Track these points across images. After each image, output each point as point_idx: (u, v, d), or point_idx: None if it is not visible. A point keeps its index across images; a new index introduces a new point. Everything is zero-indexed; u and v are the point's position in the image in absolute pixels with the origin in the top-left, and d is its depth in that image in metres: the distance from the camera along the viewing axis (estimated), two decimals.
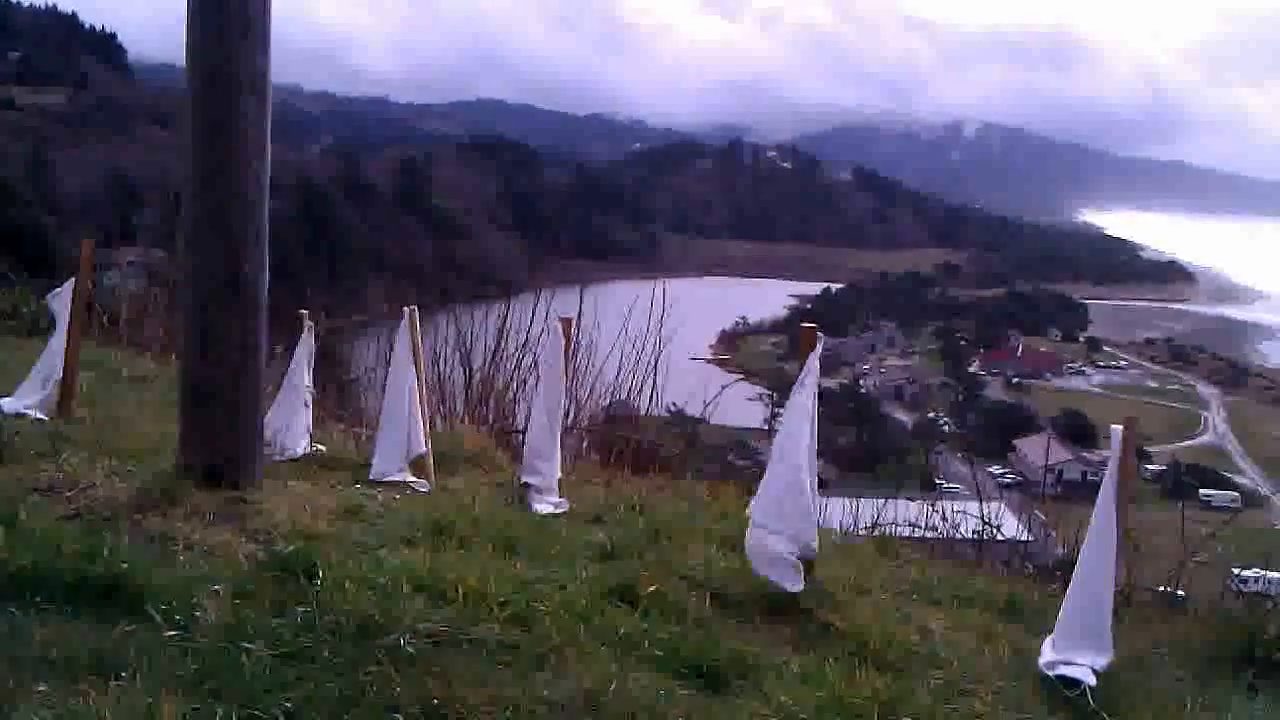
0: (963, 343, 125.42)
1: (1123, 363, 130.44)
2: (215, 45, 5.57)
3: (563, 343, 6.76)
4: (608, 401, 10.16)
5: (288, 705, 3.27)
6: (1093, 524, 4.34)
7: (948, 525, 7.72)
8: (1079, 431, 75.28)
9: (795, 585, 4.82)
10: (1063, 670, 4.22)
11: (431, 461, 6.72)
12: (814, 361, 5.02)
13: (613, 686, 3.67)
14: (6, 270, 14.44)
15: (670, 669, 3.95)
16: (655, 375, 10.08)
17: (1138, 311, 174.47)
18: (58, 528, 4.48)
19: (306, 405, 7.25)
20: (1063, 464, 57.62)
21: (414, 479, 6.53)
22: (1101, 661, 4.24)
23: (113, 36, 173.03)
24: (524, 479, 6.50)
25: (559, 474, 6.57)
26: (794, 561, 4.86)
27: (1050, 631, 4.47)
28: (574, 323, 8.09)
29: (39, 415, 6.97)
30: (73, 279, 7.35)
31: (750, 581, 4.97)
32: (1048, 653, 4.34)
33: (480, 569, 4.53)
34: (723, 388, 11.22)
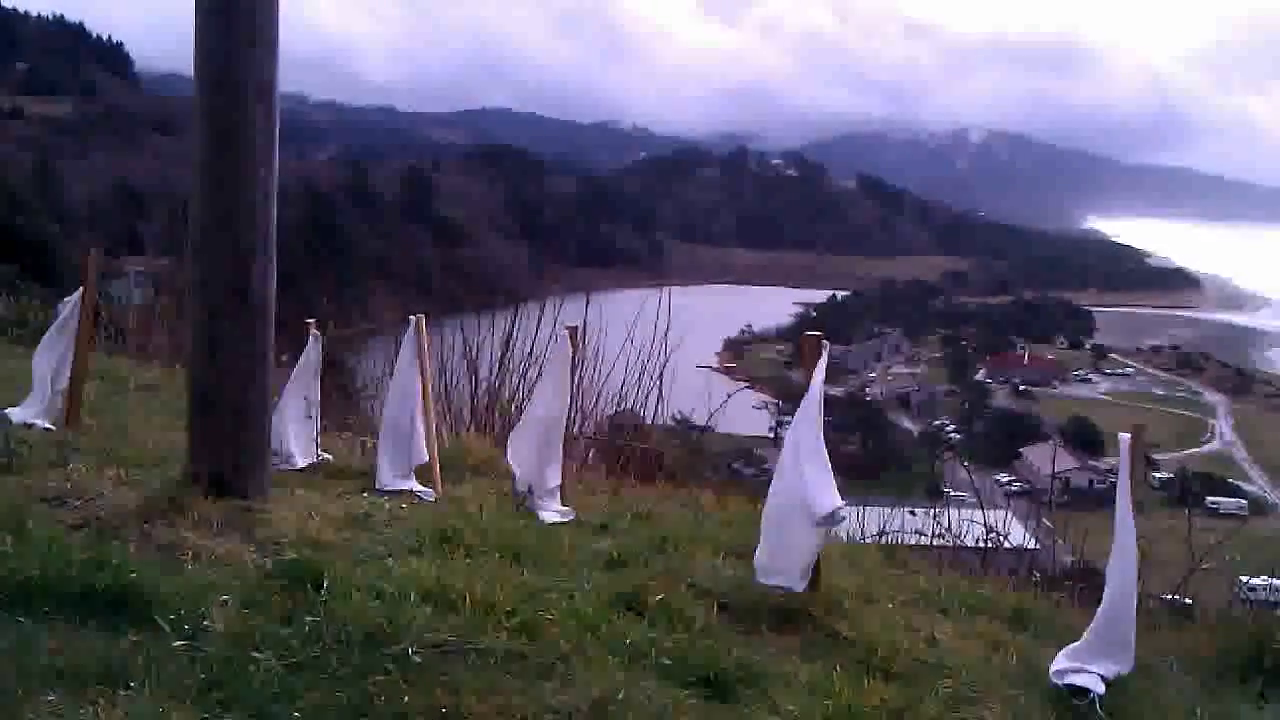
0: (969, 350, 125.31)
1: (1129, 370, 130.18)
2: (223, 54, 5.58)
3: (569, 351, 6.75)
4: (614, 410, 10.16)
5: (296, 715, 3.27)
6: (1115, 534, 4.32)
7: (954, 534, 7.71)
8: (1086, 439, 75.17)
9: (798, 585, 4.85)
10: (1072, 679, 4.21)
11: (438, 470, 6.72)
12: (819, 372, 5.00)
13: (620, 695, 3.67)
14: (13, 279, 14.49)
15: (677, 678, 3.95)
16: (661, 384, 10.09)
17: (1144, 319, 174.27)
18: (65, 537, 4.48)
19: (313, 414, 7.25)
20: (1069, 472, 57.43)
21: (420, 488, 6.53)
22: (1120, 670, 4.23)
23: (119, 46, 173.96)
24: (517, 486, 6.49)
25: (558, 480, 6.56)
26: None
27: (1060, 641, 4.46)
28: (580, 331, 8.10)
29: (46, 425, 6.98)
30: (80, 289, 7.37)
31: (757, 590, 4.97)
32: (1061, 661, 4.33)
33: (487, 578, 4.52)
34: (728, 396, 11.21)
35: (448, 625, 4.04)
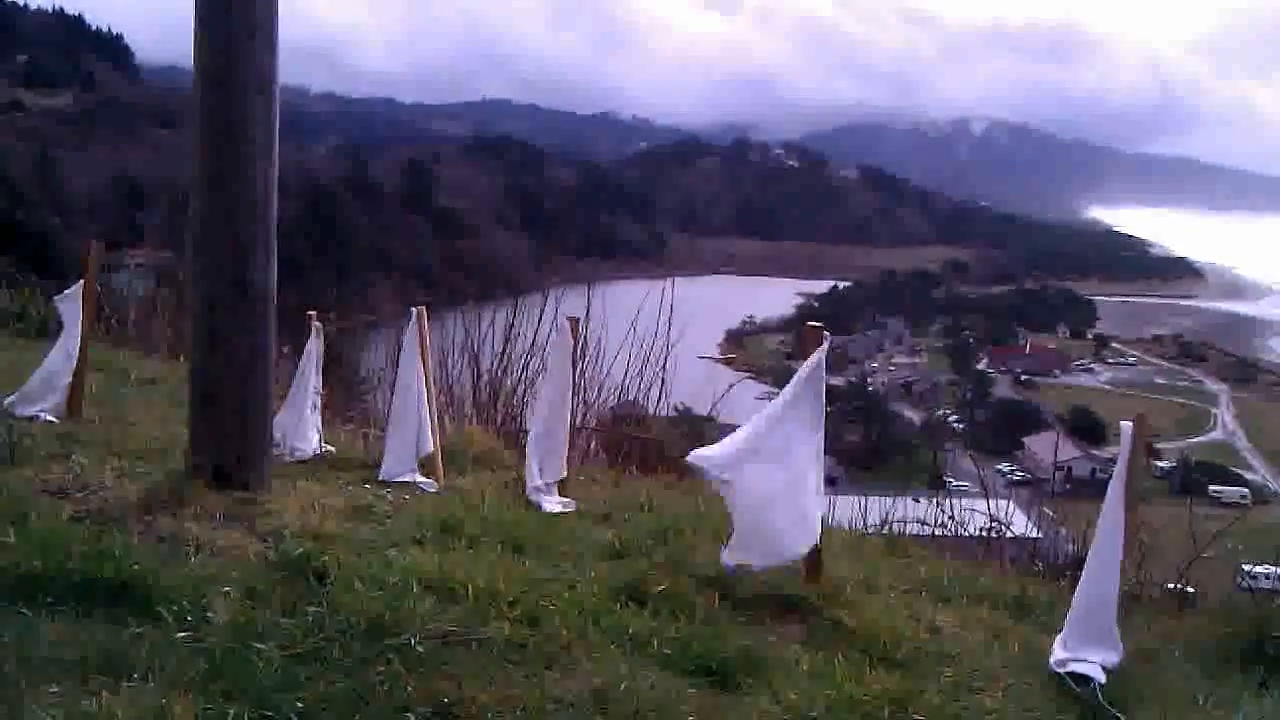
0: (970, 340, 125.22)
1: (1131, 359, 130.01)
2: (222, 46, 5.58)
3: (570, 342, 6.76)
4: (615, 401, 10.17)
5: (299, 705, 3.27)
6: (1100, 521, 4.33)
7: (956, 523, 7.72)
8: (1088, 428, 75.29)
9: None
10: (1073, 667, 4.22)
11: (440, 461, 6.73)
12: (820, 359, 4.99)
13: (622, 685, 3.67)
14: (13, 271, 14.48)
15: (679, 667, 3.95)
16: (663, 374, 10.09)
17: (1146, 308, 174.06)
18: (68, 528, 4.49)
19: (315, 406, 7.26)
20: (1071, 461, 57.55)
21: (423, 479, 6.53)
22: (1112, 658, 4.24)
23: (119, 38, 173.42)
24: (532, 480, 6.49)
25: (562, 472, 6.56)
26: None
27: (1060, 629, 4.47)
28: (581, 323, 8.09)
29: (49, 417, 6.98)
30: (81, 281, 7.37)
31: (759, 579, 4.97)
32: (1059, 651, 4.34)
33: (489, 568, 4.54)
34: (730, 386, 11.18)
35: (450, 615, 4.05)
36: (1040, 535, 8.24)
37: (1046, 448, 62.50)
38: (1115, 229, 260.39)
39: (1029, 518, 8.99)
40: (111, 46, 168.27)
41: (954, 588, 5.53)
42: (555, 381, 6.77)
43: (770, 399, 5.13)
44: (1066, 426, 75.11)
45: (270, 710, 3.23)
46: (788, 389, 4.99)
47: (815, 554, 5.06)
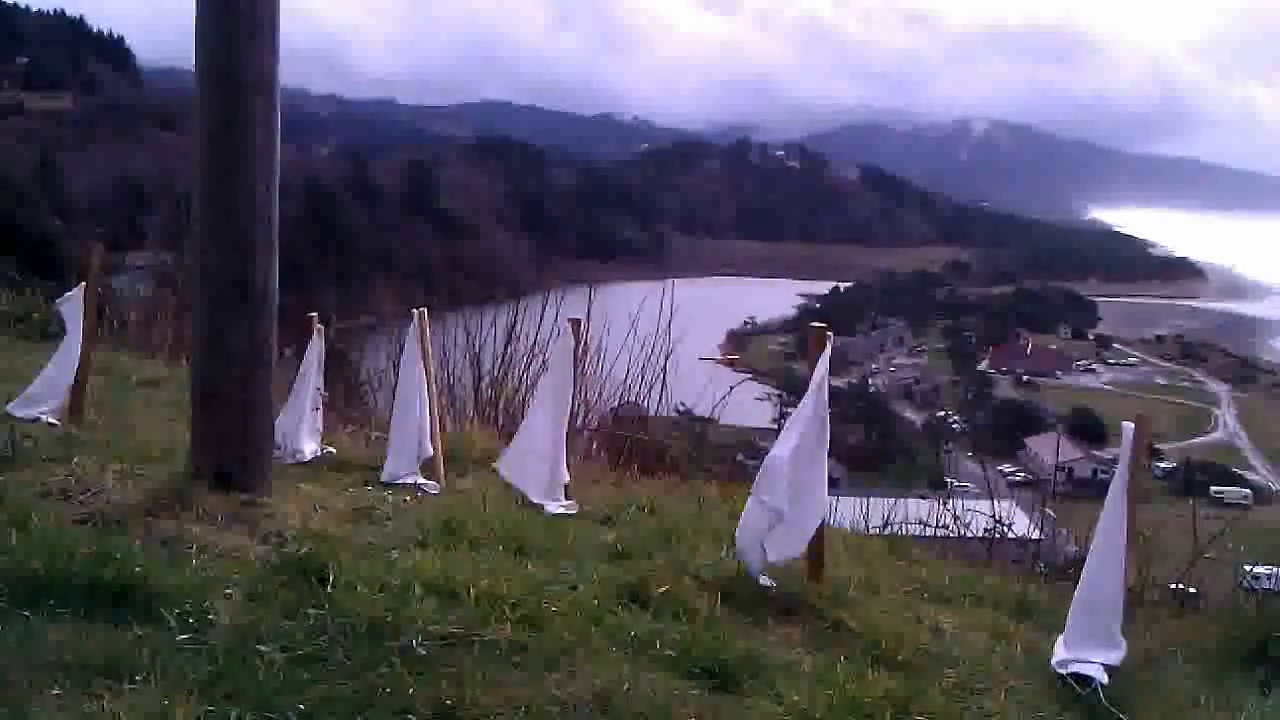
0: (971, 341, 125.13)
1: (1133, 360, 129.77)
2: (223, 47, 5.58)
3: (572, 344, 6.75)
4: (617, 402, 10.17)
5: (301, 707, 3.28)
6: (1101, 522, 4.33)
7: (958, 524, 7.71)
8: (1089, 429, 75.11)
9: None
10: (1075, 668, 4.22)
11: (442, 463, 6.73)
12: (824, 362, 5.00)
13: (624, 687, 3.67)
14: (14, 274, 14.47)
15: (681, 669, 3.96)
16: (664, 375, 10.09)
17: (1147, 308, 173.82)
18: (70, 531, 4.49)
19: (317, 408, 7.26)
20: (1073, 462, 57.39)
21: (424, 481, 6.53)
22: (1113, 659, 4.24)
23: (120, 40, 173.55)
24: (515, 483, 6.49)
25: (565, 477, 6.55)
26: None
27: (1062, 630, 4.47)
28: (582, 324, 8.09)
29: (50, 420, 6.99)
30: (83, 283, 7.37)
31: (760, 581, 4.97)
32: (1060, 651, 4.34)
33: (491, 570, 4.54)
34: (731, 388, 11.18)
35: (452, 617, 4.06)
36: (1042, 536, 8.23)
37: (1048, 448, 62.42)
38: (1116, 229, 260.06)
39: (1031, 518, 8.98)
40: (112, 49, 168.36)
41: (956, 589, 5.53)
42: (556, 383, 6.75)
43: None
44: (1068, 427, 74.93)
45: (272, 713, 3.24)
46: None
47: (817, 555, 5.07)
